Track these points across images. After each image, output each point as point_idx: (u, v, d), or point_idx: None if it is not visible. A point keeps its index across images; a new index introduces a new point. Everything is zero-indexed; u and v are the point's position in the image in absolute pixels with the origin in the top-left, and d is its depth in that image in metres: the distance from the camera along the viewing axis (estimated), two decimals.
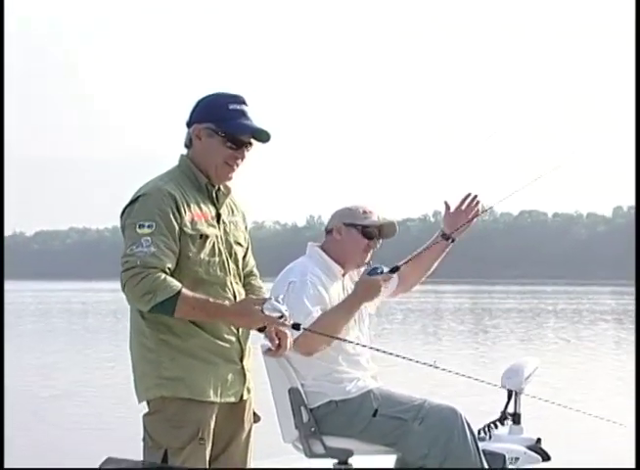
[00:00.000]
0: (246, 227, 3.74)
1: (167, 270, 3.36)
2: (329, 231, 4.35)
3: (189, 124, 3.59)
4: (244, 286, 3.68)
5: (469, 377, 4.39)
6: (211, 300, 3.39)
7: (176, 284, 3.32)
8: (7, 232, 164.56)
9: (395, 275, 4.33)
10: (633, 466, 4.84)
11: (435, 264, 4.50)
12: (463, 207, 4.43)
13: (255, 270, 3.80)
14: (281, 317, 3.35)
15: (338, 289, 4.27)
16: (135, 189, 3.55)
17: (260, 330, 3.58)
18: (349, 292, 4.25)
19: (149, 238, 3.35)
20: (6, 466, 5.39)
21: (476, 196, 4.43)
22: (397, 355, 4.10)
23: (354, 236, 4.29)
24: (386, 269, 4.16)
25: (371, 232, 4.29)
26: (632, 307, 38.58)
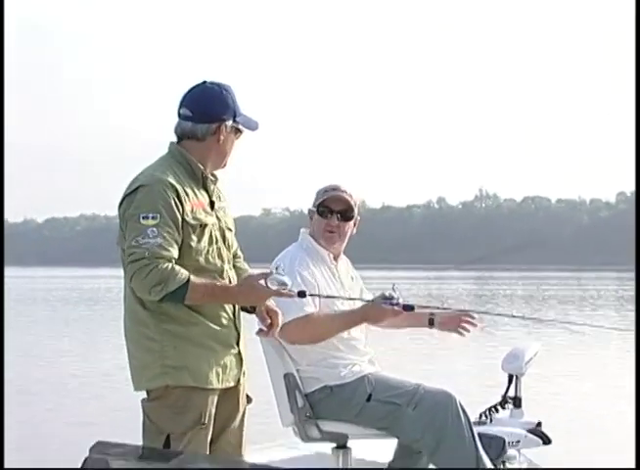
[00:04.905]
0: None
1: (174, 260, 3.41)
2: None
3: (204, 119, 3.59)
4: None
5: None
6: (218, 283, 3.48)
7: (185, 272, 3.38)
8: (18, 219, 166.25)
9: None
10: (633, 466, 4.91)
11: (404, 328, 4.57)
12: (461, 318, 4.38)
13: (239, 252, 3.84)
14: (284, 289, 3.43)
15: (327, 275, 4.29)
16: None
17: (250, 311, 3.68)
18: (340, 278, 4.32)
19: (155, 229, 3.38)
20: (6, 466, 5.44)
21: (473, 318, 4.38)
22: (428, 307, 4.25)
23: (316, 219, 4.34)
24: (402, 302, 4.11)
25: (323, 211, 4.31)
26: (634, 293, 38.64)
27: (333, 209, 4.30)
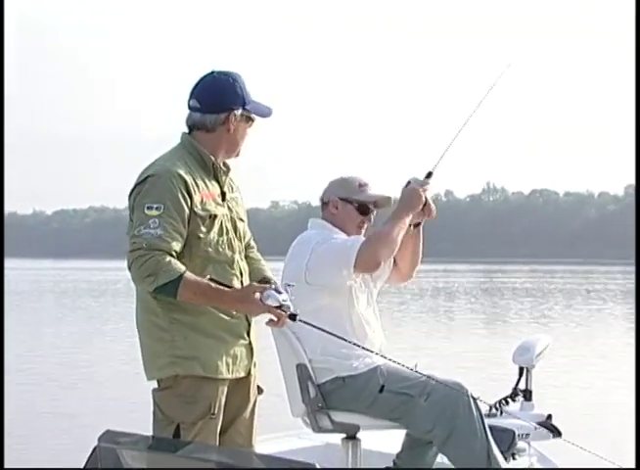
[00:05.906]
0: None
1: (174, 253, 3.39)
2: (325, 203, 4.35)
3: (212, 109, 3.59)
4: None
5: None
6: (213, 285, 3.41)
7: (180, 267, 3.35)
8: (27, 211, 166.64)
9: (391, 263, 4.36)
10: (633, 466, 4.89)
11: (419, 249, 4.45)
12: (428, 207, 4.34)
13: (252, 242, 3.84)
14: (279, 307, 3.42)
15: None
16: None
17: None
18: None
19: (157, 220, 3.38)
20: (6, 466, 5.45)
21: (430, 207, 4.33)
22: (378, 354, 4.08)
23: (350, 212, 4.29)
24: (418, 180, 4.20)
25: (366, 207, 4.30)
26: (634, 287, 38.62)
27: (372, 208, 4.32)
